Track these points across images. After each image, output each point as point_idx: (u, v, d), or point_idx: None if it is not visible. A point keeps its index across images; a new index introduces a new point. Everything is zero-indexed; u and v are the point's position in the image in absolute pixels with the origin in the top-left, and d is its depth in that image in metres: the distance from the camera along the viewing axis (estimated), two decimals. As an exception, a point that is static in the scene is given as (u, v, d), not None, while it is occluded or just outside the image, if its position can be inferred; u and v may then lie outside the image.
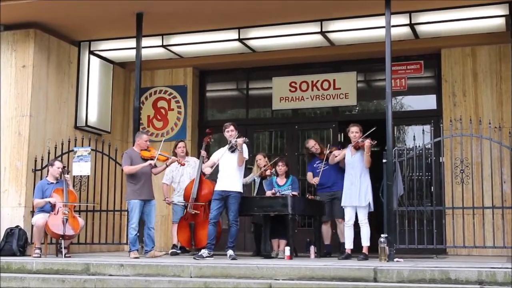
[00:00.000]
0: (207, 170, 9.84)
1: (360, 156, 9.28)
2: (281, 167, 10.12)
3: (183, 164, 10.33)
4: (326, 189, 10.29)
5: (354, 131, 9.39)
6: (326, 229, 10.44)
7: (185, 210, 10.60)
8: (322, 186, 10.34)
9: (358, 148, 9.29)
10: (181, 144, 10.90)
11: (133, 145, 10.15)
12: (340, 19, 10.80)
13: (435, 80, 12.17)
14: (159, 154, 9.81)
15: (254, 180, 10.63)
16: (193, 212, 10.35)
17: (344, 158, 9.58)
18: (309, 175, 10.59)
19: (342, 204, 9.40)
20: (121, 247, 11.75)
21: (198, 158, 10.76)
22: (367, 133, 9.26)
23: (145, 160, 9.74)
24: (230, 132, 9.46)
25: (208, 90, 13.59)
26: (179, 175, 10.80)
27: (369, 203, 9.19)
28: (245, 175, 10.02)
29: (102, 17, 10.90)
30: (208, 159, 10.06)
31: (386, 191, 9.06)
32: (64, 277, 7.90)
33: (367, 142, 9.11)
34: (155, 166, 9.87)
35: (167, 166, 10.04)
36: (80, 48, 12.04)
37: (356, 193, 9.17)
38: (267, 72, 13.03)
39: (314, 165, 10.48)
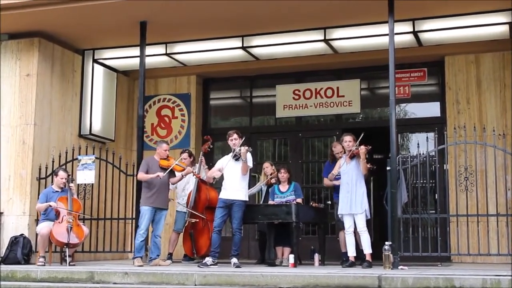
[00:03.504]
0: (216, 175, 9.72)
1: (354, 164, 9.26)
2: (283, 174, 10.11)
3: (198, 176, 10.36)
4: None
5: (347, 140, 9.37)
6: (343, 236, 10.19)
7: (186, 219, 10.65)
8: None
9: (353, 156, 9.28)
10: (182, 156, 10.85)
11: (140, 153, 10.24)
12: (343, 27, 10.82)
13: (439, 88, 12.16)
14: (175, 164, 9.86)
15: (261, 188, 10.60)
16: (192, 221, 10.37)
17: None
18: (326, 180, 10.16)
19: (339, 213, 9.36)
20: (125, 255, 11.77)
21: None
22: (358, 140, 9.25)
23: (162, 168, 9.78)
24: (233, 140, 9.46)
25: (212, 98, 13.60)
26: (184, 182, 10.80)
27: (366, 210, 9.16)
28: (250, 183, 9.93)
29: (106, 25, 10.94)
30: (206, 165, 10.19)
31: (390, 198, 9.03)
32: (68, 286, 7.91)
33: (363, 149, 9.10)
34: (174, 175, 9.92)
35: (183, 176, 10.12)
36: (84, 56, 12.08)
37: (353, 201, 9.14)
38: (271, 80, 13.04)
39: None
